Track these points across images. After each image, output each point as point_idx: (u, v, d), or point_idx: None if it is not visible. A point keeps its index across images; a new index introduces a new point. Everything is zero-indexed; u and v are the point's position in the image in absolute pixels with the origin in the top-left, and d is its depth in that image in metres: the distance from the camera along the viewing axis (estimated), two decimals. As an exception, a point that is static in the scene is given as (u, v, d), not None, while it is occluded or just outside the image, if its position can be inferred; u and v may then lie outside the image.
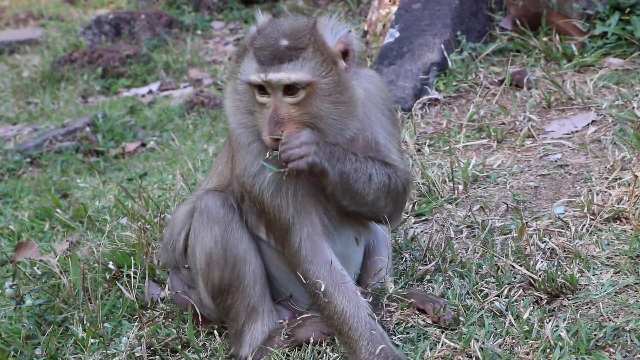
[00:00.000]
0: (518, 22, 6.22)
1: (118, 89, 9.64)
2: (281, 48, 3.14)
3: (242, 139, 3.35)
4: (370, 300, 3.38)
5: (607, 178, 4.37)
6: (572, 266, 3.68)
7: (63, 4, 15.14)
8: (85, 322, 4.00)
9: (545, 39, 6.07)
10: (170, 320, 3.97)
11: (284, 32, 3.19)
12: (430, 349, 3.33)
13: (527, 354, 3.18)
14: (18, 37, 12.39)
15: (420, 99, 5.68)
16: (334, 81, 3.18)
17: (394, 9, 7.24)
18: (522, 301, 3.50)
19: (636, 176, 4.05)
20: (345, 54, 3.25)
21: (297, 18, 3.31)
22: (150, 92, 9.46)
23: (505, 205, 4.31)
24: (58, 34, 12.22)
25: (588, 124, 5.04)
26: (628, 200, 4.06)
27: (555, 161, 4.73)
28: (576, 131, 5.03)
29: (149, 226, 4.69)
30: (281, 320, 3.54)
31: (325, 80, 3.16)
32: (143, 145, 7.77)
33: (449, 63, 5.88)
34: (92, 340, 3.83)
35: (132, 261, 4.29)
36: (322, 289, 3.27)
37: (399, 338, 3.41)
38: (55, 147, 7.71)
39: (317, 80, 3.15)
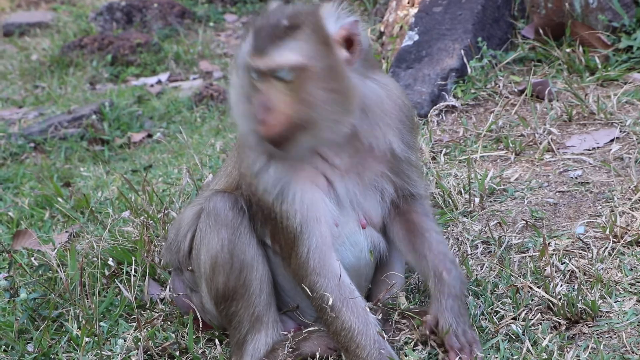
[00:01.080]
0: (541, 31, 6.05)
1: (127, 78, 9.51)
2: (277, 29, 3.01)
3: (242, 128, 3.21)
4: (379, 317, 3.22)
5: (630, 199, 4.20)
6: (593, 291, 3.51)
7: (76, -12, 15.01)
8: (80, 320, 3.85)
9: (568, 50, 5.89)
10: (169, 323, 3.82)
11: (286, 14, 3.06)
12: (442, 371, 3.18)
13: (545, 383, 3.03)
14: (29, 20, 12.25)
15: (437, 105, 5.51)
16: (329, 67, 3.02)
17: (412, 11, 7.08)
18: (540, 326, 3.34)
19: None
20: (349, 45, 3.08)
21: (306, 4, 3.16)
22: (159, 82, 9.33)
23: (524, 222, 4.14)
24: (69, 19, 12.08)
25: (611, 141, 4.87)
26: (653, 224, 3.90)
27: (576, 178, 4.56)
28: (598, 147, 4.86)
29: (151, 222, 4.53)
30: (286, 332, 3.38)
31: (318, 64, 3.00)
32: (149, 136, 7.62)
33: (468, 70, 5.71)
34: (87, 339, 3.67)
35: (133, 258, 4.14)
36: (330, 303, 3.11)
37: (411, 358, 3.24)
38: (60, 133, 7.58)
39: (308, 64, 2.99)
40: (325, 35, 3.04)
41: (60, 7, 13.18)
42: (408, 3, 7.27)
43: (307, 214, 3.16)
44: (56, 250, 4.44)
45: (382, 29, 7.48)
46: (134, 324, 3.75)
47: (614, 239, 3.88)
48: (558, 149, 4.90)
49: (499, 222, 4.20)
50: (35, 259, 4.45)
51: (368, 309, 3.18)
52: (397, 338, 3.38)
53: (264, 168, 3.18)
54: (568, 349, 3.15)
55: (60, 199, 5.50)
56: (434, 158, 5.03)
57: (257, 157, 3.19)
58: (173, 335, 3.65)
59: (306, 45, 3.00)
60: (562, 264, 3.74)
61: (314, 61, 3.00)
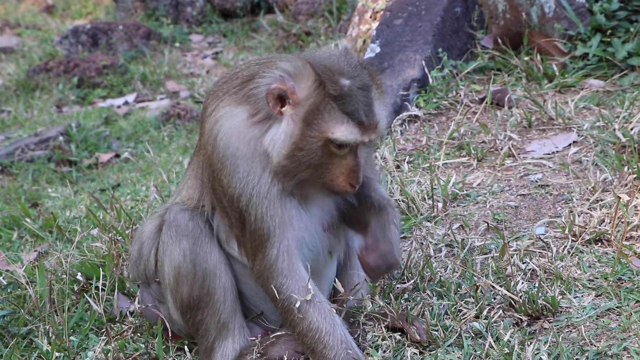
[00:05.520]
0: (499, 40, 6.17)
1: (93, 99, 9.53)
2: (370, 95, 3.10)
3: (283, 182, 3.17)
4: (342, 316, 3.27)
5: (588, 199, 4.31)
6: (553, 288, 3.60)
7: (41, 13, 15.00)
8: (50, 335, 3.86)
9: (526, 58, 6.02)
10: (139, 334, 3.85)
11: (363, 82, 3.10)
12: (407, 370, 3.23)
13: (507, 377, 3.10)
14: (-7, 45, 12.24)
15: (400, 115, 5.60)
16: None
17: (375, 24, 7.19)
18: (502, 322, 3.41)
19: (619, 198, 3.99)
20: None
21: (341, 53, 3.17)
22: (126, 103, 9.36)
23: (486, 225, 4.23)
24: (34, 43, 12.08)
25: (569, 145, 4.98)
26: (610, 222, 4.00)
27: (536, 181, 4.66)
28: (557, 151, 4.97)
29: (120, 237, 4.56)
30: (253, 338, 3.42)
31: None
32: (117, 156, 7.64)
33: (430, 80, 5.81)
34: (57, 354, 3.70)
35: (102, 273, 4.16)
36: (297, 305, 3.16)
37: (375, 358, 3.29)
38: (27, 155, 7.57)
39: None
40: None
41: (25, 32, 13.17)
42: (371, 17, 7.38)
43: (285, 217, 3.20)
44: (24, 267, 4.44)
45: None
46: (104, 337, 3.78)
47: (573, 238, 3.98)
48: (519, 154, 5.00)
49: (461, 226, 4.29)
50: (3, 278, 4.46)
51: (334, 311, 3.23)
52: (365, 338, 3.43)
53: (278, 201, 3.20)
54: (529, 343, 3.22)
55: (28, 219, 5.50)
56: (398, 166, 5.11)
57: (269, 182, 3.18)
58: (143, 346, 3.68)
59: (382, 103, 3.19)
60: (523, 263, 3.83)
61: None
